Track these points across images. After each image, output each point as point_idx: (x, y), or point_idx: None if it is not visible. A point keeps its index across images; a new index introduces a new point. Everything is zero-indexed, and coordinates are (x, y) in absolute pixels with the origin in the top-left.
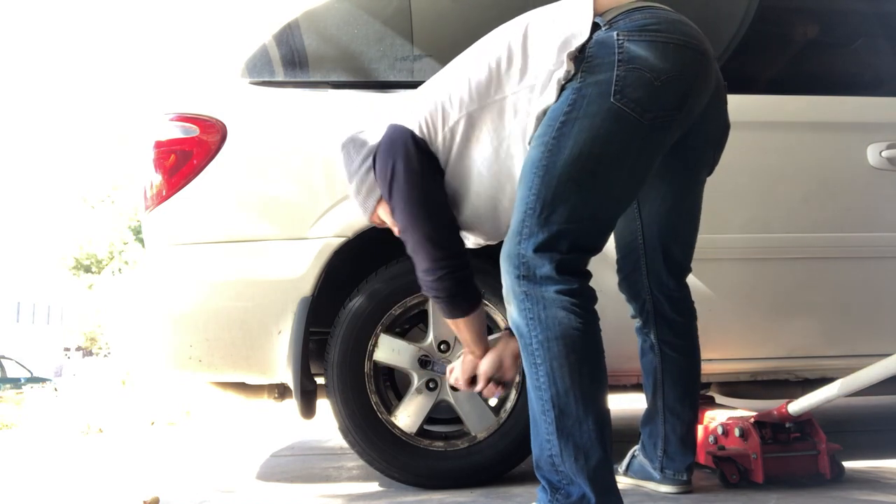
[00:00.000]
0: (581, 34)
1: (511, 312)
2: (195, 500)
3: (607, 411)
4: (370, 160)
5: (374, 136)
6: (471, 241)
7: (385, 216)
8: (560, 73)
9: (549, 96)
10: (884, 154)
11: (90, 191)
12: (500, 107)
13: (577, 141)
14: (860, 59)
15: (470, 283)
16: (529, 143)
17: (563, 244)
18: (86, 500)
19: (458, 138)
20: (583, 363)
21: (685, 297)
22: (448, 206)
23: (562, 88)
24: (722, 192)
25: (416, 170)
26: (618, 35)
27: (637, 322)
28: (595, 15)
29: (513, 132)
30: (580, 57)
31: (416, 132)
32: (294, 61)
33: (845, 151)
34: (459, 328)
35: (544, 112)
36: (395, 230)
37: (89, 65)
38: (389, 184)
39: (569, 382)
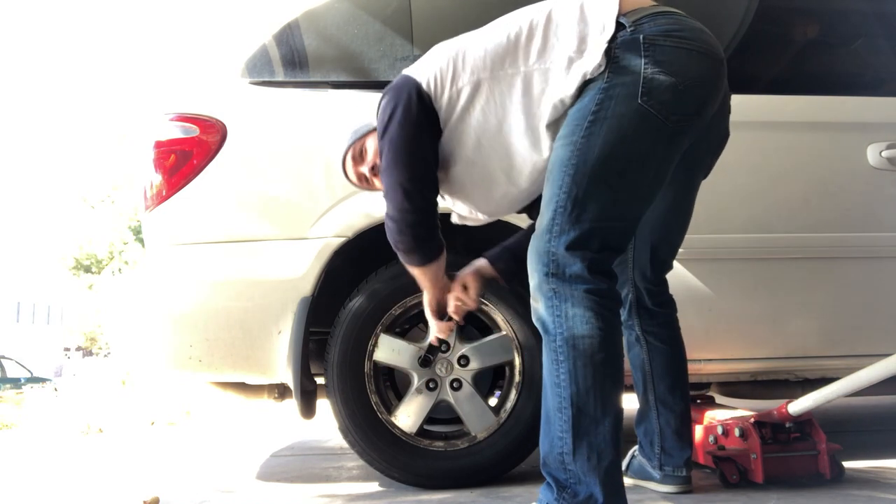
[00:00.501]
0: (607, 29)
1: (537, 309)
2: (195, 500)
3: (622, 413)
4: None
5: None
6: (455, 215)
7: (371, 151)
8: (588, 67)
9: (568, 86)
10: (884, 154)
11: (90, 191)
12: (511, 81)
13: (607, 141)
14: (860, 59)
15: (431, 240)
16: (545, 129)
17: (594, 243)
18: (86, 500)
19: (462, 101)
20: (606, 364)
21: (664, 291)
22: (432, 166)
23: (584, 85)
24: (722, 192)
25: (413, 119)
26: (644, 38)
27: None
28: (619, 14)
29: (518, 108)
30: (606, 57)
31: (423, 86)
32: (294, 61)
33: (845, 151)
34: (415, 273)
35: (561, 101)
36: (371, 175)
37: (89, 65)
38: (385, 124)
39: (590, 382)
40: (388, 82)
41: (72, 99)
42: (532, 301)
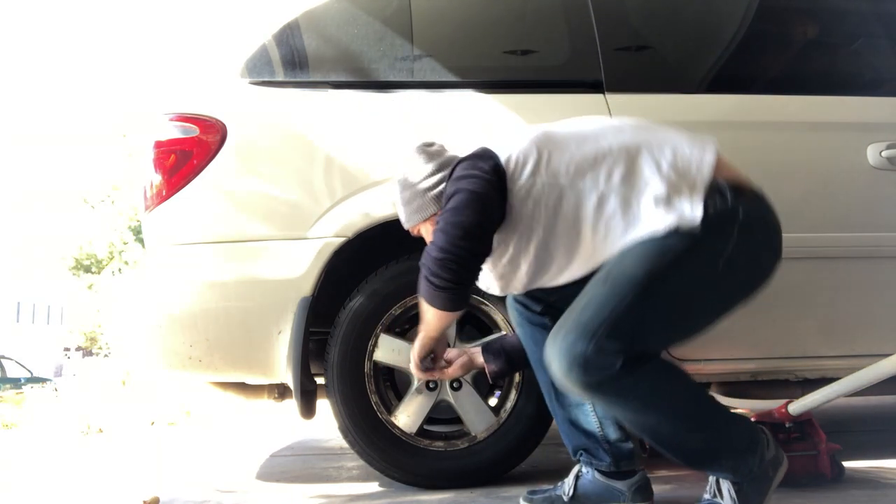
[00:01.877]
0: (699, 186)
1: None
2: (195, 500)
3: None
4: (440, 174)
5: (447, 153)
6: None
7: (426, 234)
8: (683, 220)
9: (652, 223)
10: (884, 154)
11: (90, 191)
12: (587, 194)
13: (685, 283)
14: (860, 59)
15: (466, 289)
16: (606, 244)
17: (633, 351)
18: (86, 500)
19: (532, 192)
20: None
21: None
22: (495, 226)
23: (675, 227)
24: None
25: (493, 179)
26: (743, 218)
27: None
28: (715, 175)
29: (588, 219)
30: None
31: (503, 162)
32: (294, 61)
33: (845, 151)
34: (434, 314)
35: (637, 231)
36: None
37: (90, 64)
38: (462, 175)
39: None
40: (388, 82)
41: (72, 99)
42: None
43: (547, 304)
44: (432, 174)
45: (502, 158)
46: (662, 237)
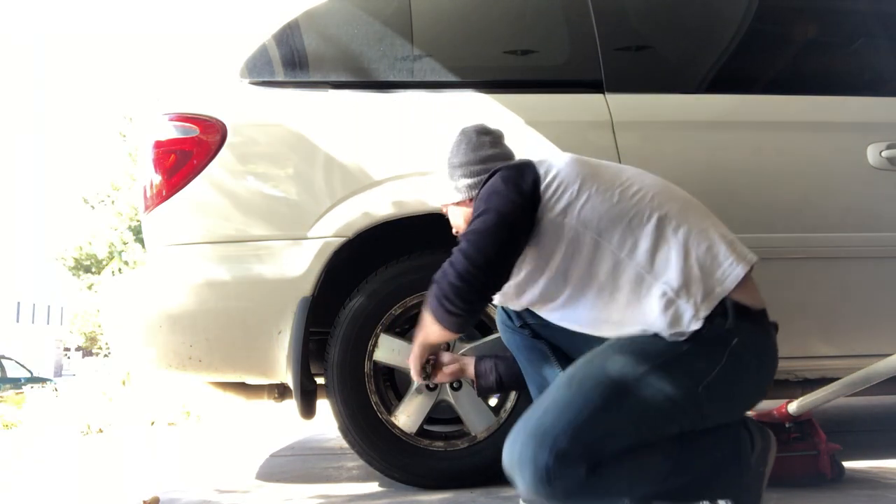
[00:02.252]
0: (713, 297)
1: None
2: (195, 500)
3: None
4: (479, 166)
5: (495, 149)
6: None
7: (457, 218)
8: (678, 325)
9: (645, 319)
10: (884, 154)
11: (90, 191)
12: (606, 256)
13: (657, 399)
14: (860, 59)
15: (476, 315)
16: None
17: (597, 458)
18: (86, 500)
19: (558, 230)
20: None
21: None
22: (519, 251)
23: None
24: (722, 191)
25: (525, 207)
26: (736, 344)
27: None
28: (731, 294)
29: (601, 276)
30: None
31: (542, 185)
32: (294, 61)
33: (845, 151)
34: (433, 328)
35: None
36: (456, 230)
37: (90, 64)
38: (491, 197)
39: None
40: (388, 82)
41: (72, 98)
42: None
43: (526, 323)
44: (471, 164)
45: (543, 181)
46: (647, 340)
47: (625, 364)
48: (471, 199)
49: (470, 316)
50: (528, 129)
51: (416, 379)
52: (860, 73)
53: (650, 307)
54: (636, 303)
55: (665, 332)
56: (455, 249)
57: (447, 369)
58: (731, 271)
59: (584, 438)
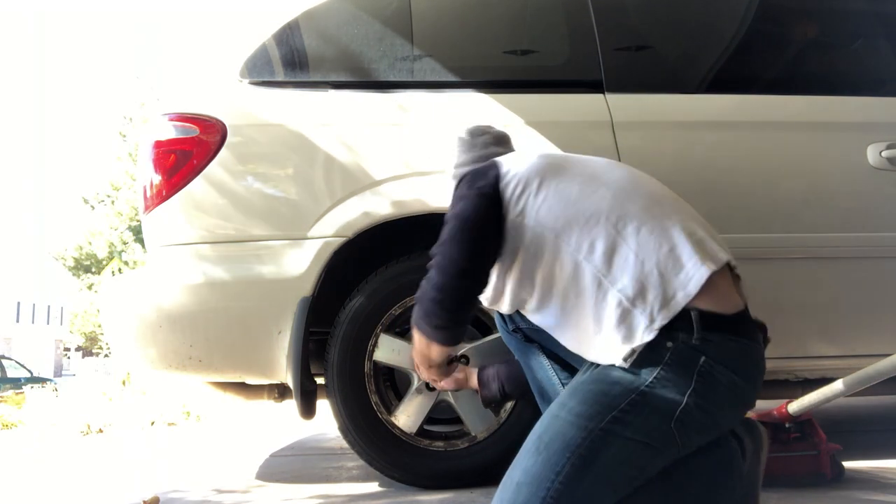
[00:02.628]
0: (670, 307)
1: None
2: (195, 500)
3: None
4: (462, 173)
5: (496, 147)
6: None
7: None
8: (635, 341)
9: (606, 339)
10: (884, 154)
11: (90, 191)
12: (565, 257)
13: (628, 448)
14: (860, 59)
15: (465, 324)
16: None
17: None
18: (86, 500)
19: (518, 230)
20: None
21: None
22: (494, 251)
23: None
24: (722, 192)
25: (489, 207)
26: (704, 362)
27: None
28: (695, 303)
29: (553, 281)
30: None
31: (502, 184)
32: (294, 61)
33: (845, 151)
34: (431, 347)
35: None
36: None
37: (91, 64)
38: (455, 203)
39: None
40: (388, 82)
41: (73, 98)
42: None
43: (518, 327)
44: (464, 165)
45: (502, 179)
46: (609, 379)
47: (590, 417)
48: None
49: (458, 326)
50: (527, 129)
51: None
52: (860, 73)
53: (607, 317)
54: (597, 310)
55: (620, 350)
56: (429, 265)
57: (450, 378)
58: (693, 273)
59: None
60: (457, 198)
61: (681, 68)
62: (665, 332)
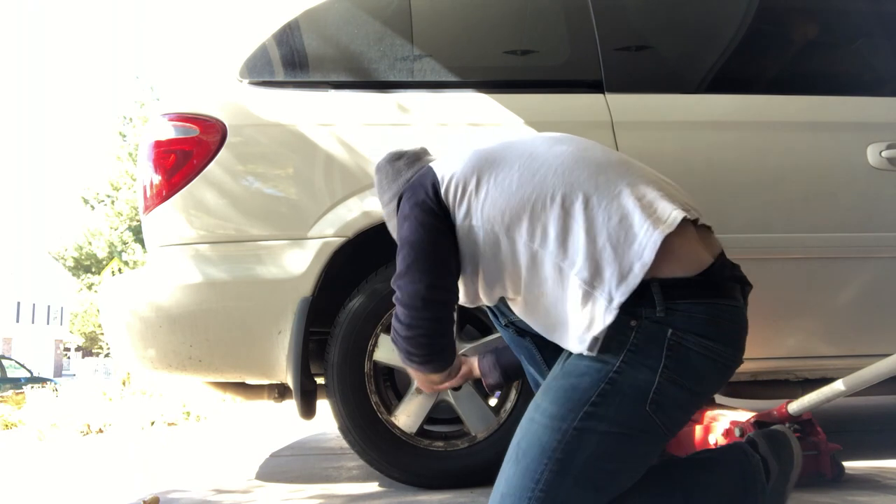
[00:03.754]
0: (628, 281)
1: None
2: (195, 500)
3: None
4: (397, 198)
5: (417, 165)
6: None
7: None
8: (596, 328)
9: (572, 326)
10: (884, 154)
11: (90, 191)
12: (519, 250)
13: (605, 442)
14: (860, 59)
15: (449, 347)
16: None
17: None
18: (86, 500)
19: (469, 234)
20: None
21: None
22: (453, 269)
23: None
24: (722, 192)
25: (435, 224)
26: (672, 334)
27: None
28: (652, 271)
29: (518, 278)
30: (624, 329)
31: (441, 192)
32: (294, 61)
33: (845, 151)
34: (432, 378)
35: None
36: None
37: (91, 65)
38: (399, 227)
39: None
40: (388, 82)
41: (73, 98)
42: None
43: (510, 321)
44: (396, 195)
45: (441, 186)
46: (577, 371)
47: (562, 418)
48: None
49: (443, 352)
50: (527, 129)
51: (451, 385)
52: (860, 73)
53: (571, 303)
54: (561, 298)
55: (583, 341)
56: (394, 299)
57: (460, 374)
58: (646, 241)
59: None
60: (401, 218)
61: (681, 68)
62: (627, 309)
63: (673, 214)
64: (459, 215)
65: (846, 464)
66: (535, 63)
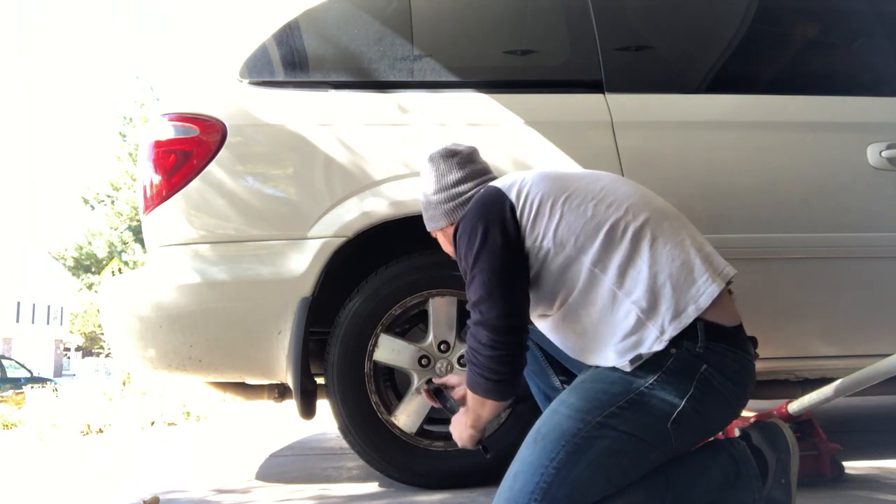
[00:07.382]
0: (681, 319)
1: None
2: (195, 500)
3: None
4: (454, 190)
5: (467, 167)
6: None
7: (444, 244)
8: (640, 350)
9: (611, 342)
10: (884, 154)
11: (90, 191)
12: (582, 271)
13: (622, 440)
14: (860, 59)
15: (518, 377)
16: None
17: None
18: (86, 500)
19: (538, 255)
20: None
21: None
22: (527, 293)
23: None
24: (722, 192)
25: (509, 243)
26: (705, 370)
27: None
28: (702, 315)
29: (570, 294)
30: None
31: (517, 213)
32: (294, 61)
33: (845, 151)
34: (489, 408)
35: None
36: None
37: (91, 65)
38: (477, 250)
39: None
40: (388, 82)
41: (73, 98)
42: None
43: None
44: (443, 190)
45: (518, 207)
46: (610, 379)
47: (588, 411)
48: (451, 224)
49: (515, 376)
50: (528, 129)
51: (471, 447)
52: (860, 73)
53: (619, 327)
54: (608, 320)
55: (624, 356)
56: (470, 323)
57: (458, 391)
58: (705, 289)
59: (554, 498)
60: (470, 235)
61: (681, 68)
62: (671, 340)
63: (726, 270)
64: (532, 237)
65: (846, 464)
66: (535, 63)
